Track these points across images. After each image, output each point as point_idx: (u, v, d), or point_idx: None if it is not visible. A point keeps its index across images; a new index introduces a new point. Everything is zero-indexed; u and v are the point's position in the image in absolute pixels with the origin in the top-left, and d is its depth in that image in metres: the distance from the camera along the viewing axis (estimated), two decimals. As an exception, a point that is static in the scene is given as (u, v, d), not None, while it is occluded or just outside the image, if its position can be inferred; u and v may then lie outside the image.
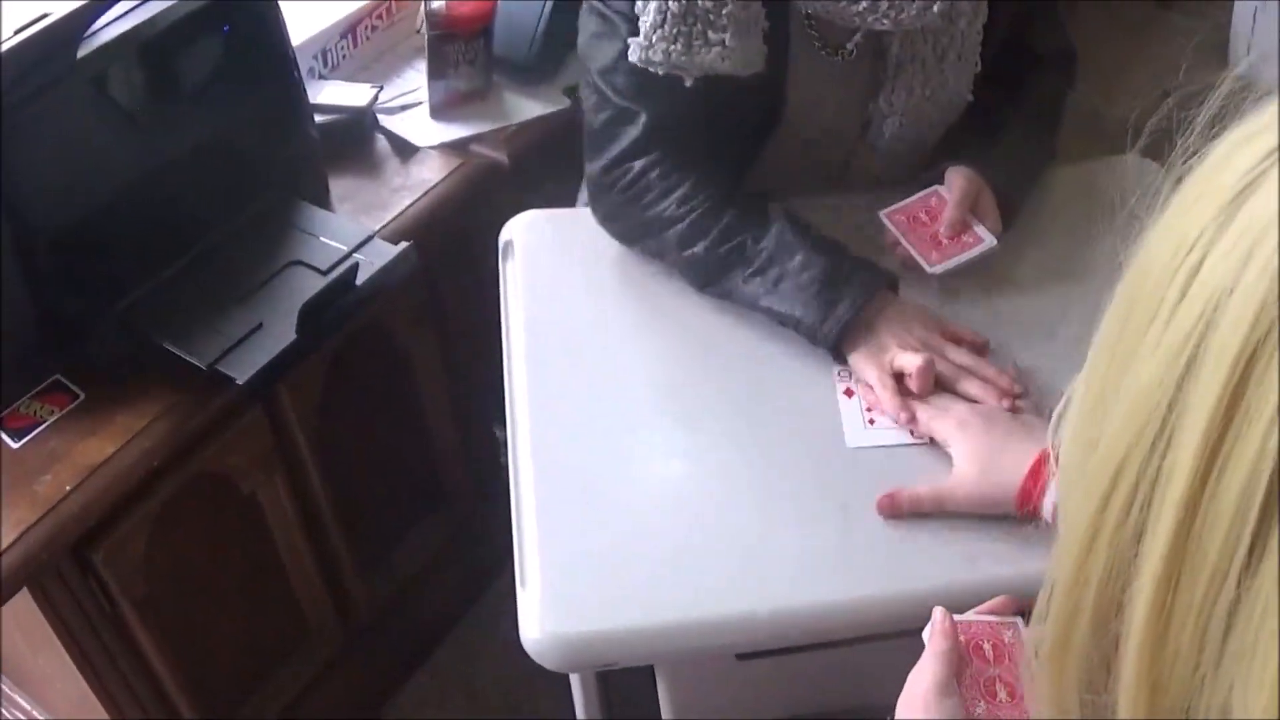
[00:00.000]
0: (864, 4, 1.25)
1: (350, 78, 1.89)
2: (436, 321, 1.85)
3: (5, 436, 1.43)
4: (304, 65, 1.76)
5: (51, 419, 1.45)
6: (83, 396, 1.47)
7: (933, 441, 1.21)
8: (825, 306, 1.26)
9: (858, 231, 1.38)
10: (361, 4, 1.88)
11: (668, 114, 1.34)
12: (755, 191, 1.43)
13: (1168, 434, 0.47)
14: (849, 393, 1.27)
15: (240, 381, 1.42)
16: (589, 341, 1.34)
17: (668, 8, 1.25)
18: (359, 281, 1.52)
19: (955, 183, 1.36)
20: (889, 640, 1.12)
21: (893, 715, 0.92)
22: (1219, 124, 0.53)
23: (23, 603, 1.43)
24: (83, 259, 1.42)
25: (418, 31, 1.94)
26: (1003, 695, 0.92)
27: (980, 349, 1.28)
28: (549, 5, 1.83)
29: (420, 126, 1.83)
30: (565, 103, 1.84)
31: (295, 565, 1.78)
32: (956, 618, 0.95)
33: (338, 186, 1.75)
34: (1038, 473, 1.10)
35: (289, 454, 1.67)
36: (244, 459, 1.59)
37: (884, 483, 1.18)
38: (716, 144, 1.40)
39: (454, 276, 1.85)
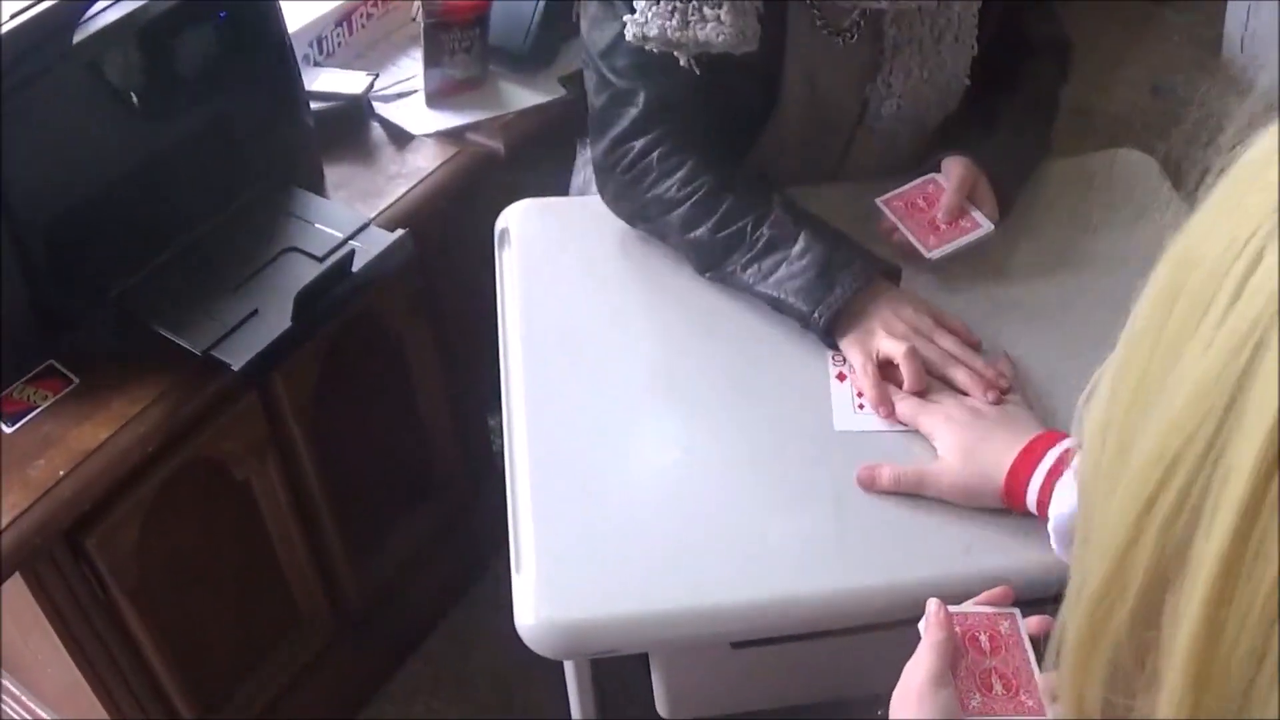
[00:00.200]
0: None
1: (345, 65, 1.89)
2: (431, 310, 1.85)
3: (-1, 421, 1.42)
4: (299, 52, 1.75)
5: (45, 404, 1.44)
6: (77, 382, 1.47)
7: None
8: (819, 293, 1.26)
9: (855, 219, 1.38)
10: (357, -9, 1.88)
11: (667, 94, 1.35)
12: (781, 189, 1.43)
13: (1224, 436, 0.45)
14: (841, 377, 1.27)
15: (235, 368, 1.41)
16: (585, 329, 1.34)
17: None
18: (355, 269, 1.51)
19: (953, 170, 1.36)
20: (885, 630, 1.13)
21: (887, 706, 0.93)
22: (1266, 117, 0.50)
23: (15, 588, 1.43)
24: (78, 244, 1.42)
25: (413, 19, 1.94)
26: (998, 687, 0.92)
27: (972, 346, 1.28)
28: (545, -7, 1.83)
29: (416, 114, 1.83)
30: (561, 92, 1.83)
31: (288, 552, 1.78)
32: (953, 609, 0.95)
33: (333, 174, 1.75)
34: (1023, 465, 1.10)
35: (283, 441, 1.67)
36: (238, 446, 1.59)
37: (879, 471, 1.18)
38: (715, 126, 1.40)
39: (449, 265, 1.85)
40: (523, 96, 1.84)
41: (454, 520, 2.10)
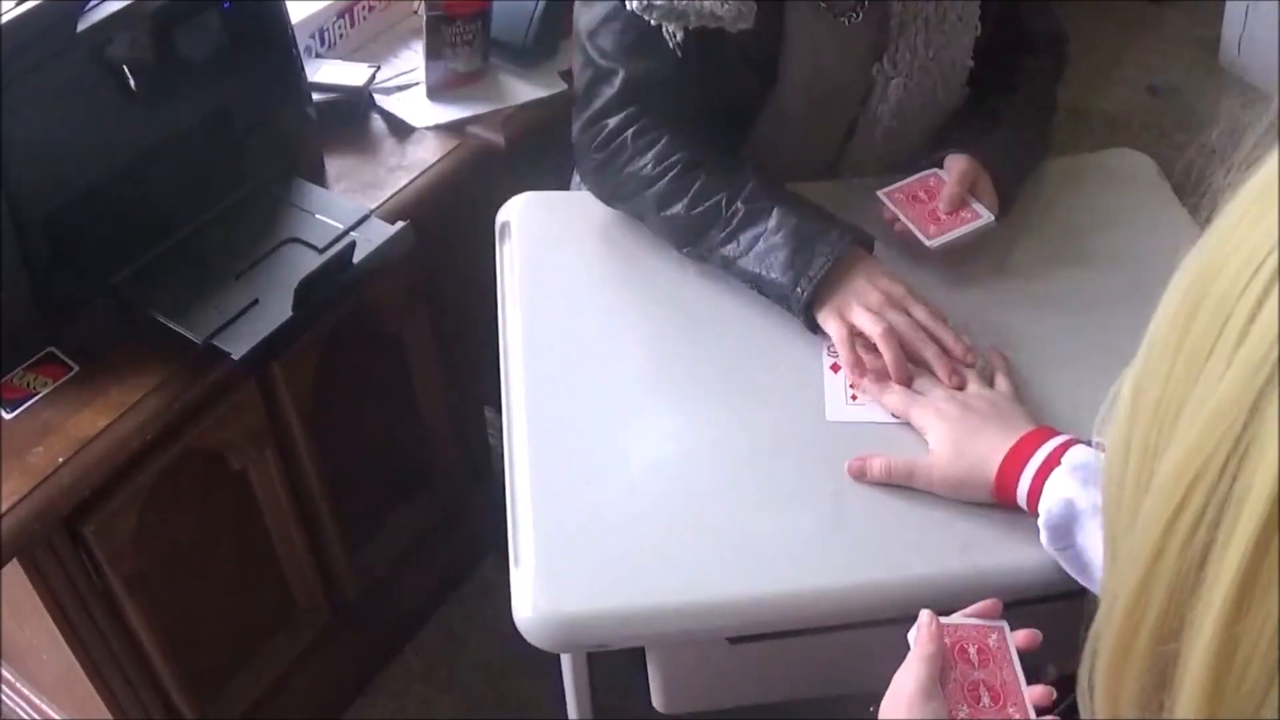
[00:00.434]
0: None
1: (347, 57, 1.89)
2: (430, 302, 1.85)
3: (-1, 408, 1.43)
4: (301, 44, 1.76)
5: (45, 391, 1.45)
6: (76, 369, 1.47)
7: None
8: (798, 266, 1.27)
9: (856, 213, 1.39)
10: (359, -17, 1.89)
11: (647, 75, 1.36)
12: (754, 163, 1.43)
13: (1241, 452, 0.45)
14: (835, 368, 1.28)
15: (236, 357, 1.42)
16: (585, 322, 1.34)
17: None
18: (355, 260, 1.52)
19: (955, 164, 1.37)
20: (881, 626, 1.13)
21: (877, 711, 0.93)
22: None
23: (12, 575, 1.43)
24: (79, 232, 1.42)
25: (415, 12, 1.94)
26: (986, 699, 0.93)
27: (941, 330, 1.27)
28: (546, -12, 1.83)
29: (417, 107, 1.83)
30: (562, 86, 1.84)
31: (284, 542, 1.78)
32: (943, 620, 0.96)
33: (334, 165, 1.75)
34: (1014, 461, 1.10)
35: (281, 431, 1.68)
36: (236, 435, 1.59)
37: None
38: (711, 108, 1.41)
39: (448, 257, 1.85)
40: (524, 90, 1.85)
41: (450, 513, 2.10)
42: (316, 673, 1.95)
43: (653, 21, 1.31)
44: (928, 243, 1.34)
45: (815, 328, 1.29)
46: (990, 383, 1.23)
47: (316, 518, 1.82)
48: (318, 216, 1.58)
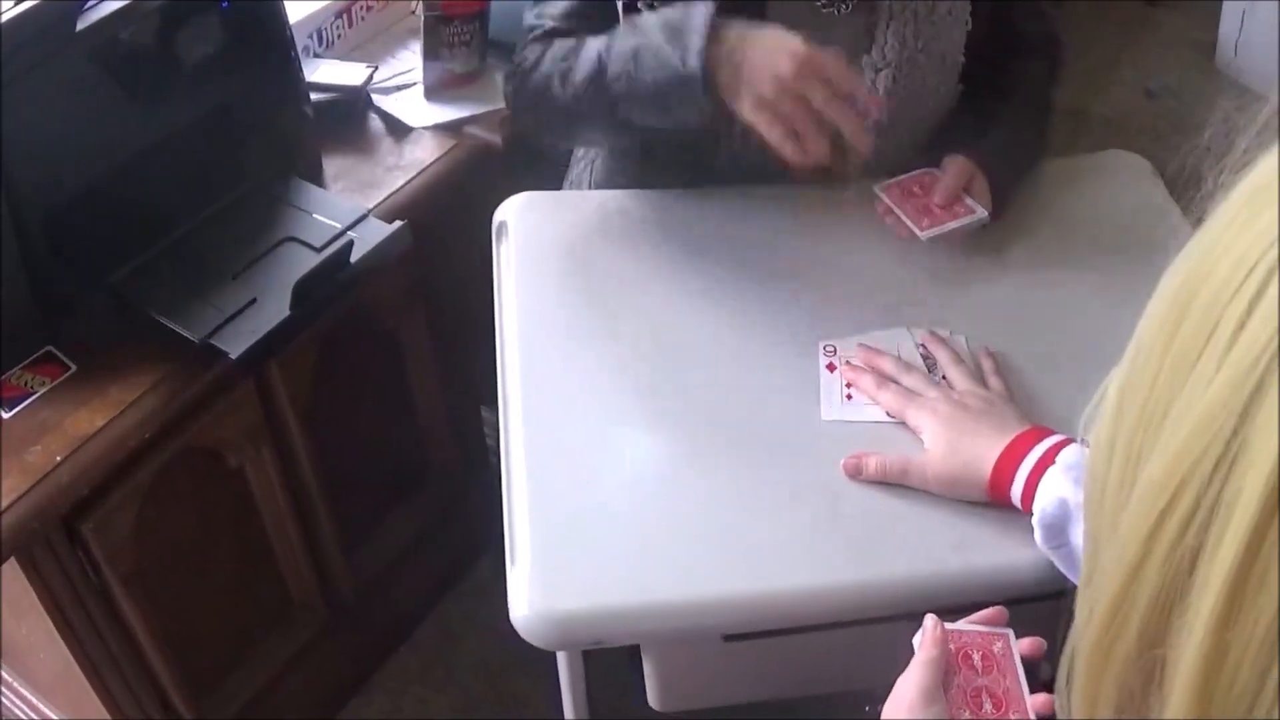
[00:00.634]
0: None
1: (345, 57, 1.89)
2: (427, 301, 1.86)
3: (-3, 407, 1.43)
4: (299, 44, 1.76)
5: (43, 390, 1.45)
6: (74, 368, 1.47)
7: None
8: (679, 47, 1.22)
9: (852, 209, 1.39)
10: (358, -17, 1.89)
11: (578, 28, 1.37)
12: (743, 166, 1.45)
13: (1230, 459, 0.45)
14: (831, 368, 1.28)
15: (233, 356, 1.42)
16: (581, 322, 1.35)
17: None
18: (353, 259, 1.52)
19: (951, 164, 1.38)
20: (876, 624, 1.14)
21: (877, 702, 0.94)
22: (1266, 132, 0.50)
23: (10, 573, 1.44)
24: (77, 231, 1.43)
25: (413, 13, 1.95)
26: (988, 706, 0.93)
27: (854, 87, 1.23)
28: (545, -11, 1.83)
29: (414, 107, 1.84)
30: (559, 86, 1.84)
31: (281, 540, 1.78)
32: (948, 626, 0.96)
33: (331, 165, 1.76)
34: (1009, 460, 1.11)
35: (278, 430, 1.68)
36: (233, 433, 1.60)
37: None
38: None
39: (445, 257, 1.86)
40: (521, 90, 1.85)
41: (446, 512, 2.11)
42: (313, 671, 1.96)
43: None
44: (920, 234, 1.35)
45: (724, 111, 1.24)
46: (983, 382, 1.24)
47: (313, 516, 1.82)
48: (315, 216, 1.58)
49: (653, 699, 1.25)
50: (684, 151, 1.45)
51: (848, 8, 1.37)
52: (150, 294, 1.48)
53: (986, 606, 1.07)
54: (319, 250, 1.53)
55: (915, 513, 1.16)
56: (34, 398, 1.44)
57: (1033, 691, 0.95)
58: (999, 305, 1.36)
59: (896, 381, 1.25)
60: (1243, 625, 0.45)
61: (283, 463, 1.71)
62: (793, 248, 1.43)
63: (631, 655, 1.24)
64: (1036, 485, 1.08)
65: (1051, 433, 1.12)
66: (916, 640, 0.96)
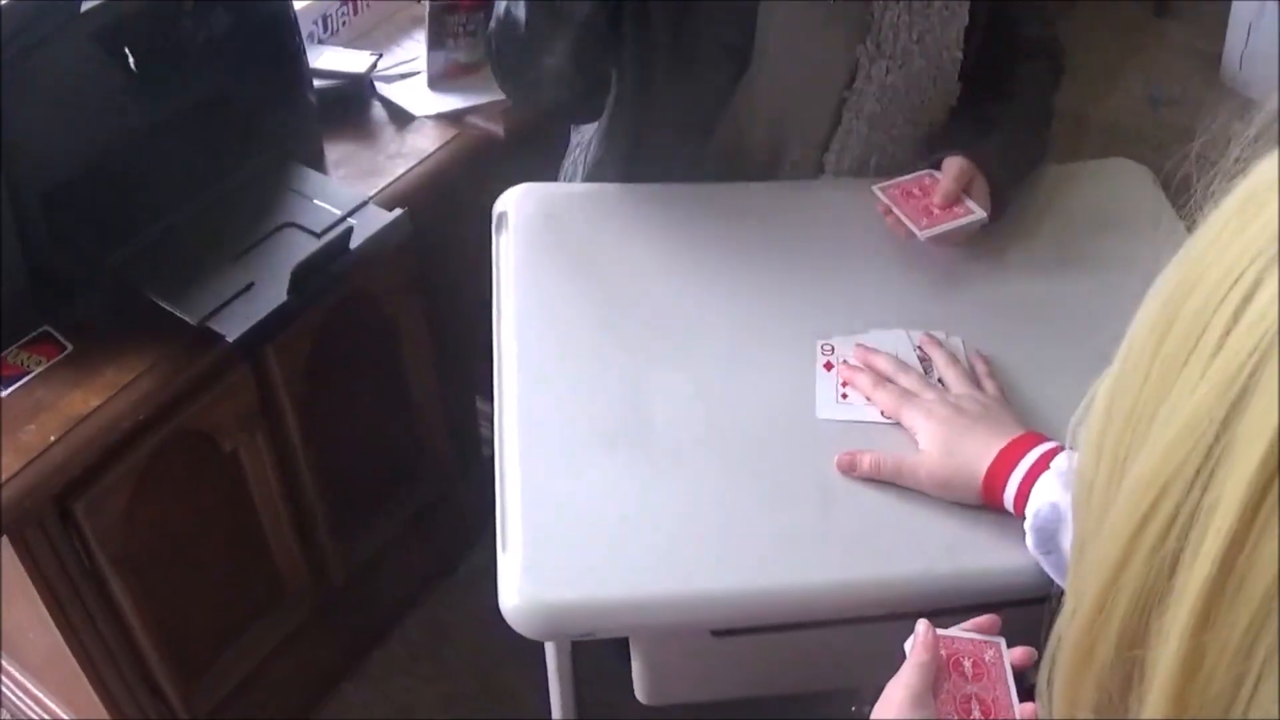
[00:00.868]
0: None
1: (349, 44, 1.90)
2: (425, 290, 1.86)
3: (-8, 385, 1.43)
4: (304, 30, 1.76)
5: (39, 369, 1.45)
6: (71, 349, 1.47)
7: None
8: None
9: (851, 208, 1.39)
10: (363, -29, 1.89)
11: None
12: (732, 155, 1.46)
13: (1211, 466, 0.45)
14: (828, 366, 1.29)
15: (230, 339, 1.42)
16: (578, 314, 1.35)
17: None
18: (352, 246, 1.52)
19: (951, 165, 1.38)
20: (864, 624, 1.14)
21: (864, 702, 0.94)
22: (1264, 137, 0.50)
23: (1, 552, 1.44)
24: (77, 212, 1.43)
25: (418, 1, 1.95)
26: (976, 713, 0.94)
27: None
28: (551, -19, 1.83)
29: (417, 96, 1.84)
30: (563, 79, 1.84)
31: (273, 526, 1.79)
32: (940, 632, 0.96)
33: (333, 152, 1.76)
34: (1003, 464, 1.11)
35: (272, 415, 1.68)
36: (228, 417, 1.60)
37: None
38: (688, 90, 1.42)
39: (445, 246, 1.86)
40: (525, 82, 1.85)
41: (439, 501, 2.11)
42: (302, 657, 1.96)
43: None
44: (919, 233, 1.35)
45: None
46: (978, 385, 1.24)
47: (306, 502, 1.82)
48: (315, 202, 1.58)
49: (639, 692, 1.25)
50: (675, 138, 1.45)
51: None
52: (148, 276, 1.48)
53: (976, 608, 1.07)
54: (318, 236, 1.53)
55: (907, 513, 1.16)
56: (30, 377, 1.44)
57: (1022, 701, 0.95)
58: (996, 309, 1.36)
59: (893, 381, 1.25)
60: (1219, 630, 0.45)
61: (277, 448, 1.71)
62: (791, 245, 1.43)
63: (619, 647, 1.25)
64: (1030, 490, 1.08)
65: (1046, 439, 1.12)
66: (908, 645, 0.96)
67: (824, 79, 1.43)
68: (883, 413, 1.23)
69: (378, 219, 1.56)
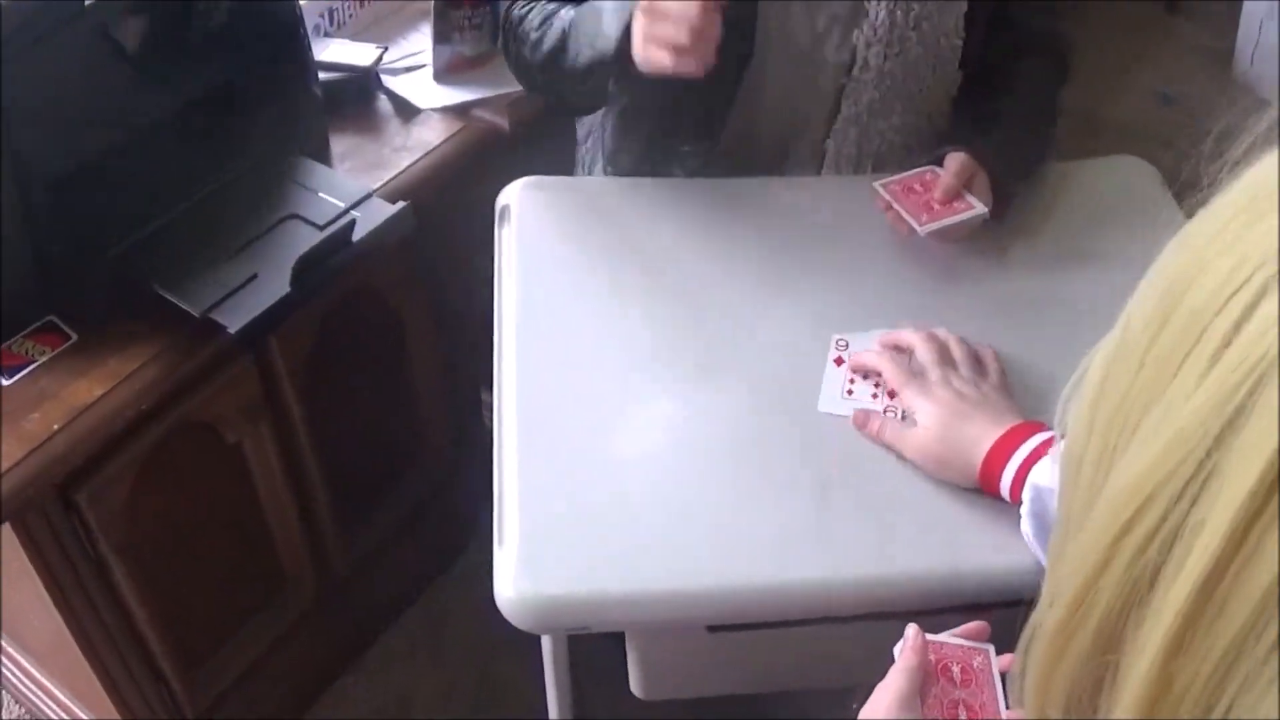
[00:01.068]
0: None
1: (355, 37, 1.90)
2: (430, 282, 1.86)
3: (-4, 374, 1.44)
4: (310, 23, 1.77)
5: (43, 358, 1.46)
6: (75, 338, 1.48)
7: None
8: (603, 34, 1.32)
9: (851, 204, 1.39)
10: (370, -36, 1.89)
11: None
12: (751, 152, 1.47)
13: (1201, 480, 0.45)
14: (838, 361, 1.29)
15: (232, 330, 1.43)
16: (580, 307, 1.35)
17: None
18: (355, 238, 1.53)
19: (952, 160, 1.38)
20: (860, 622, 1.14)
21: (858, 706, 0.94)
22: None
23: (4, 540, 1.44)
24: (82, 202, 1.43)
25: (424, -5, 1.95)
26: (963, 718, 0.94)
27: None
28: (557, -26, 1.84)
29: (423, 89, 1.84)
30: (569, 73, 1.84)
31: (275, 516, 1.79)
32: (929, 637, 0.96)
33: (338, 144, 1.76)
34: (1001, 449, 1.11)
35: (276, 406, 1.69)
36: (231, 408, 1.60)
37: (866, 462, 1.19)
38: (690, 84, 1.41)
39: (450, 239, 1.86)
40: (530, 76, 1.85)
41: (441, 493, 2.11)
42: (304, 647, 1.96)
43: None
44: (919, 228, 1.35)
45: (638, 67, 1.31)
46: (983, 376, 1.24)
47: (309, 493, 1.83)
48: (320, 194, 1.59)
49: (635, 687, 1.25)
50: (688, 134, 1.46)
51: None
52: (152, 266, 1.49)
53: (973, 608, 1.08)
54: (321, 228, 1.53)
55: (905, 512, 1.16)
56: (34, 366, 1.45)
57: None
58: (998, 304, 1.36)
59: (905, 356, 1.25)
60: (1192, 656, 0.45)
61: (280, 440, 1.72)
62: (797, 241, 1.43)
63: (619, 641, 1.25)
64: (1026, 476, 1.08)
65: (1045, 427, 1.12)
66: (897, 649, 0.96)
67: (820, 68, 1.44)
68: (888, 383, 1.24)
69: (381, 212, 1.57)
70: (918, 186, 1.38)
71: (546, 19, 1.42)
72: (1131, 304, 0.52)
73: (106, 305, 1.49)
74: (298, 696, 2.03)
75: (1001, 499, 1.12)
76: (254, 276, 1.48)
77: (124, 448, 1.48)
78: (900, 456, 1.19)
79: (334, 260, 1.52)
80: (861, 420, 1.21)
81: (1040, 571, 1.06)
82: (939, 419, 1.16)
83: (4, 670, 1.99)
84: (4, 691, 2.04)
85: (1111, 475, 0.50)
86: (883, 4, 1.37)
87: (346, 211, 1.56)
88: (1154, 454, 0.47)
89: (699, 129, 1.44)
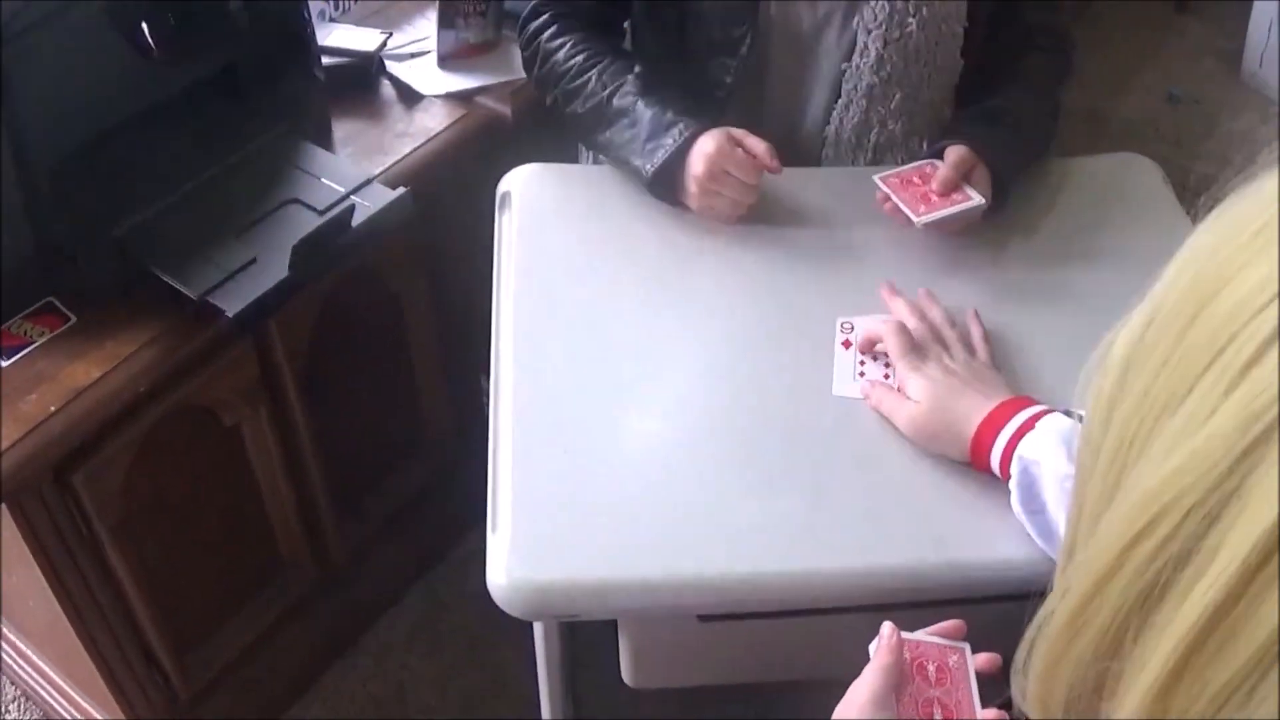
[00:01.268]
0: None
1: (360, 22, 1.90)
2: (430, 268, 1.86)
3: (-5, 354, 1.44)
4: (315, 8, 1.77)
5: (41, 340, 1.46)
6: (74, 320, 1.48)
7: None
8: (648, 154, 1.40)
9: (851, 198, 1.39)
10: (376, -51, 1.89)
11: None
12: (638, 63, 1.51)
13: (1218, 501, 0.44)
14: (846, 344, 1.29)
15: (230, 314, 1.43)
16: (578, 296, 1.35)
17: None
18: (355, 223, 1.53)
19: (952, 152, 1.38)
20: (851, 614, 1.14)
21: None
22: None
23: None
24: (83, 184, 1.43)
25: (429, -20, 1.95)
26: (939, 716, 0.94)
27: (772, 169, 1.38)
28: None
29: (426, 75, 1.84)
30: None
31: (273, 501, 1.79)
32: (905, 636, 0.97)
33: (341, 129, 1.76)
34: (992, 423, 1.13)
35: (274, 390, 1.69)
36: (229, 392, 1.60)
37: (861, 456, 1.19)
38: (694, 69, 1.47)
39: (450, 225, 1.86)
40: (534, 64, 1.85)
41: (440, 479, 2.11)
42: (298, 632, 1.97)
43: None
44: (915, 219, 1.35)
45: (673, 202, 1.44)
46: (971, 351, 1.26)
47: (306, 477, 1.83)
48: (321, 179, 1.58)
49: (626, 675, 1.25)
50: (698, 113, 1.46)
51: None
52: (152, 249, 1.49)
53: (964, 602, 1.08)
54: (321, 213, 1.53)
55: (899, 505, 1.16)
56: (32, 347, 1.45)
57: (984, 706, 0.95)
58: (997, 298, 1.36)
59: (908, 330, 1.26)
60: (1188, 686, 0.45)
61: (278, 423, 1.72)
62: (798, 231, 1.43)
63: (614, 628, 1.25)
64: (1015, 449, 1.09)
65: (1035, 402, 1.14)
66: (872, 647, 0.96)
67: (822, 48, 1.44)
68: (886, 354, 1.25)
69: (381, 197, 1.56)
70: (916, 179, 1.38)
71: (580, 72, 1.47)
72: (1158, 291, 0.50)
73: (106, 287, 1.49)
74: (292, 682, 2.03)
75: (991, 474, 1.13)
76: (253, 260, 1.48)
77: (121, 430, 1.48)
78: (895, 428, 1.20)
79: (334, 245, 1.52)
80: (866, 390, 1.23)
81: (1030, 566, 1.06)
82: (931, 393, 1.18)
83: (2, 653, 1.99)
84: (2, 674, 2.05)
85: (1127, 476, 0.49)
86: None
87: (347, 197, 1.56)
88: (1172, 466, 0.46)
89: (702, 117, 1.44)
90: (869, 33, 1.41)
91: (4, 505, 1.41)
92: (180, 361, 1.50)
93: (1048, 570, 1.04)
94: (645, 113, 1.42)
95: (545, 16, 1.52)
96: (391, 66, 1.85)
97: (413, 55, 1.87)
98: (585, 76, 1.47)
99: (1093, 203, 1.49)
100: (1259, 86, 3.32)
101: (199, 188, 1.56)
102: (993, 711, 0.94)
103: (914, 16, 1.40)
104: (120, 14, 1.41)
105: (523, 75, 1.80)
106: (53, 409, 1.40)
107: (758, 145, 1.38)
